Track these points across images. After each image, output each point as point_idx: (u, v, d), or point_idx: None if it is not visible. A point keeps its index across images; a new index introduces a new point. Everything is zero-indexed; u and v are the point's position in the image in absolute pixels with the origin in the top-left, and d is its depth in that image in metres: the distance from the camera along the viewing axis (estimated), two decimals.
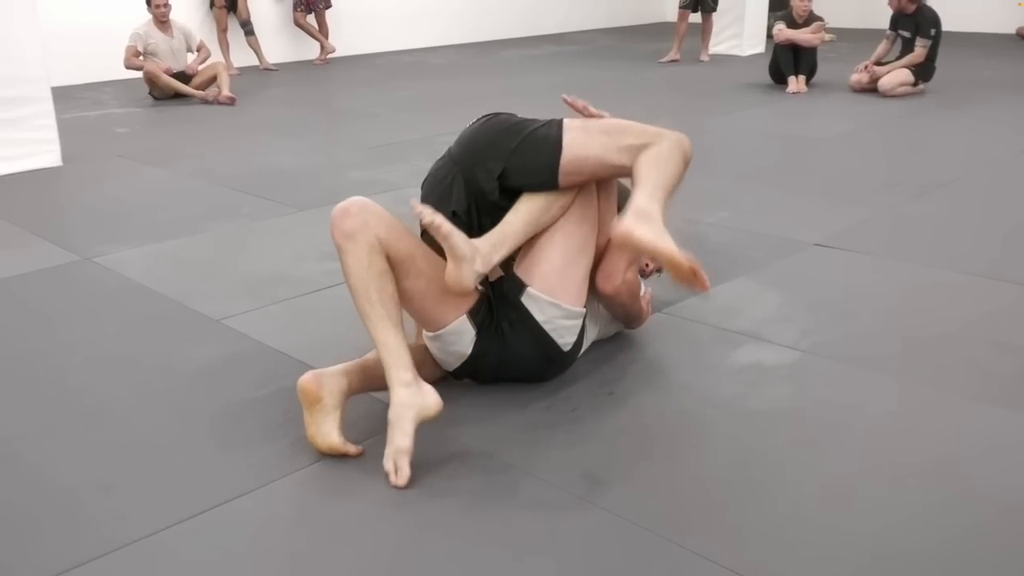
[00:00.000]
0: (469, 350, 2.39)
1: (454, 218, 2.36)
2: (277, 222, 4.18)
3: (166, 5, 7.51)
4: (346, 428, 2.20)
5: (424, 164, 5.24)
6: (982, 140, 5.63)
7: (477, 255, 2.24)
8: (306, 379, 2.19)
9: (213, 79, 7.63)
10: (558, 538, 1.88)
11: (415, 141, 5.83)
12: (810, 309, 3.05)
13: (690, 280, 2.08)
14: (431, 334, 2.40)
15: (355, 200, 2.28)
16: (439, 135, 5.88)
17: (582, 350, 2.55)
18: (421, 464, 2.15)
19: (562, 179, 2.35)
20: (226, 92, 7.42)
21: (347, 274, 2.22)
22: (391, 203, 4.38)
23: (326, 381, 2.19)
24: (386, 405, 2.16)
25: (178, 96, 7.61)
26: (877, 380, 2.54)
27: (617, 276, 2.50)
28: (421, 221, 2.21)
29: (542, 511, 1.98)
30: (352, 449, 2.18)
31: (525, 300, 2.37)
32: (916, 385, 2.51)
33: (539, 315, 2.37)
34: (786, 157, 5.39)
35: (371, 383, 2.33)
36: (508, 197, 2.39)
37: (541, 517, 1.96)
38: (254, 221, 4.19)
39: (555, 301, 2.37)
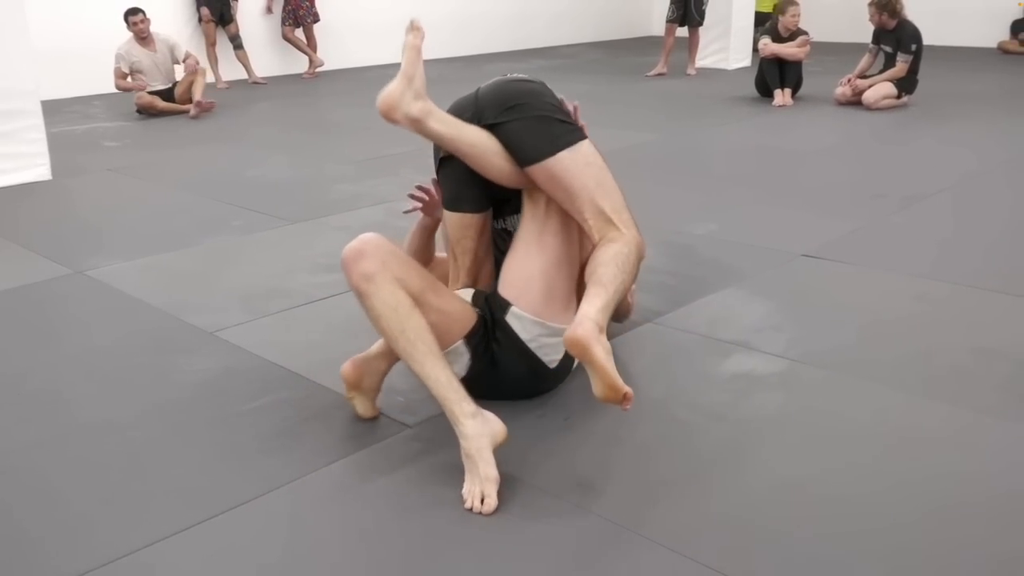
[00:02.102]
0: (464, 373, 2.38)
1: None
2: (268, 235, 4.20)
3: (142, 21, 7.50)
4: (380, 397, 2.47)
5: (414, 177, 5.28)
6: (966, 152, 5.71)
7: (421, 99, 2.30)
8: (347, 369, 2.41)
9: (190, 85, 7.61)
10: (555, 545, 1.91)
11: (404, 154, 5.86)
12: (798, 319, 3.09)
13: (618, 403, 2.08)
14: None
15: (367, 239, 2.23)
16: (428, 148, 5.90)
17: (575, 363, 2.57)
18: (419, 472, 2.17)
19: (535, 172, 2.36)
20: (198, 98, 7.38)
21: (376, 318, 2.18)
22: (382, 216, 4.46)
23: (365, 367, 2.40)
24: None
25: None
26: (865, 388, 2.58)
27: None
28: (411, 23, 2.31)
29: (538, 518, 2.00)
30: (376, 412, 2.45)
31: (510, 319, 2.38)
32: (904, 393, 2.55)
33: (523, 334, 2.38)
34: (773, 169, 5.45)
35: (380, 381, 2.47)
36: None
37: (537, 524, 1.98)
38: (245, 234, 4.20)
39: (539, 320, 2.38)
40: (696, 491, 2.10)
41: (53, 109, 7.43)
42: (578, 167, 2.35)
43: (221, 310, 3.24)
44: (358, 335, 2.99)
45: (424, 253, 2.81)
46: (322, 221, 4.38)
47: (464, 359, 2.39)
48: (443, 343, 2.31)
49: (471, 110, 2.44)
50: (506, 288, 2.42)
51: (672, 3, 9.50)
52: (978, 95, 7.94)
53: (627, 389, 2.05)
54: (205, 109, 7.45)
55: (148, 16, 7.55)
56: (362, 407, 2.44)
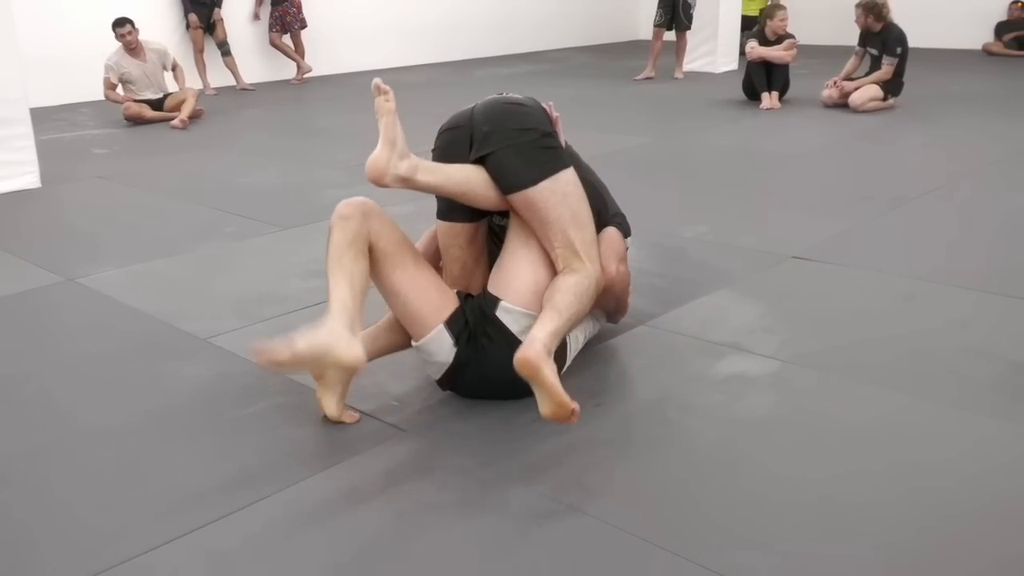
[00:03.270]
0: (449, 360, 2.46)
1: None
2: (260, 241, 4.20)
3: (130, 33, 7.46)
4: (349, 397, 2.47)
5: None
6: (952, 153, 5.76)
7: (406, 158, 2.41)
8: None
9: (182, 102, 7.59)
10: (550, 547, 1.92)
11: None
12: (789, 320, 3.11)
13: (565, 419, 2.18)
14: (414, 344, 2.49)
15: (359, 198, 2.45)
16: (417, 152, 5.93)
17: (566, 364, 2.59)
18: (414, 476, 2.18)
19: (514, 199, 2.45)
20: (184, 117, 7.35)
21: (329, 244, 2.37)
22: None
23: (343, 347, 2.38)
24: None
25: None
26: (858, 389, 2.60)
27: (611, 266, 2.62)
28: (376, 88, 2.41)
29: (534, 521, 2.01)
30: (348, 418, 2.44)
31: (500, 314, 2.44)
32: (896, 393, 2.57)
33: (513, 326, 2.43)
34: (762, 171, 5.48)
35: (378, 351, 2.58)
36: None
37: (533, 526, 1.99)
38: (237, 240, 4.20)
39: (528, 312, 2.43)
40: (692, 492, 2.12)
41: (41, 117, 7.39)
42: (556, 197, 2.43)
43: (214, 316, 3.24)
44: None
45: (437, 257, 2.83)
46: (313, 227, 4.38)
47: (446, 345, 2.44)
48: (421, 319, 2.43)
49: (467, 130, 2.52)
50: (495, 286, 2.49)
51: (660, 7, 9.54)
52: (964, 97, 8.00)
53: (574, 405, 2.15)
54: (180, 127, 7.38)
55: (136, 27, 7.52)
56: (327, 405, 2.42)
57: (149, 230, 4.42)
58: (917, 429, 2.39)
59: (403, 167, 2.41)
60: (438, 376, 2.52)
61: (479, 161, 2.48)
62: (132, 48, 7.51)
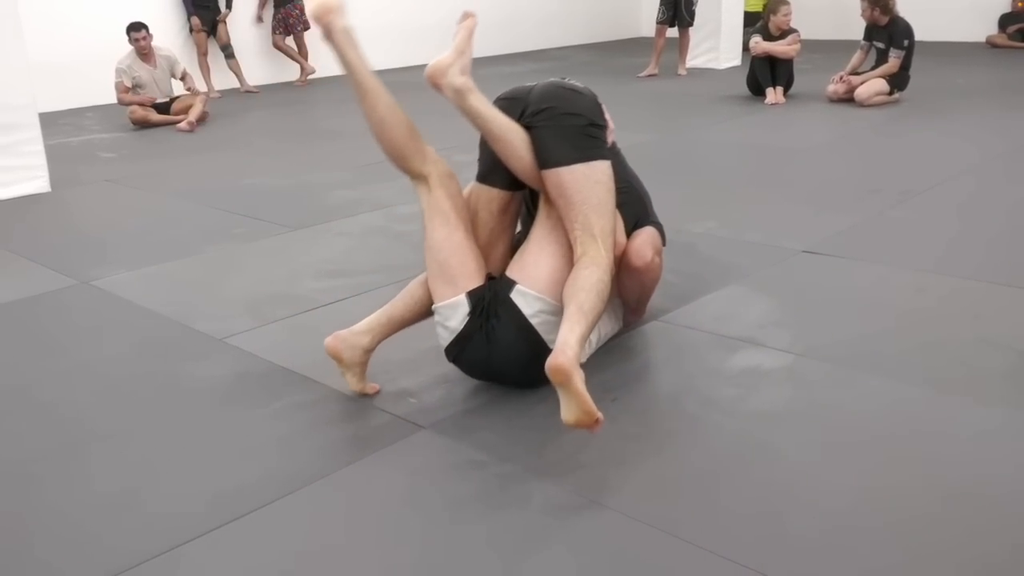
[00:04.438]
0: (459, 328, 2.50)
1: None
2: (271, 242, 4.21)
3: (144, 38, 7.50)
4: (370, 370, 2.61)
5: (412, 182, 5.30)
6: (959, 146, 5.76)
7: (466, 74, 2.48)
8: (328, 342, 2.55)
9: (189, 107, 7.61)
10: (572, 539, 1.93)
11: None
12: (802, 314, 3.12)
13: (589, 426, 2.17)
14: (435, 305, 2.56)
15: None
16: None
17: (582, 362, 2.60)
18: (434, 472, 2.20)
19: (547, 175, 2.49)
20: (192, 119, 7.37)
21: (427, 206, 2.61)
22: (383, 220, 4.49)
23: (347, 342, 2.55)
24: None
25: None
26: (871, 381, 2.61)
27: (647, 254, 2.68)
28: (463, 15, 2.57)
29: (555, 514, 2.02)
30: (370, 390, 2.59)
31: (514, 296, 2.47)
32: (910, 385, 2.58)
33: (526, 309, 2.46)
34: (769, 167, 5.48)
35: (396, 327, 2.64)
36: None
37: (554, 520, 2.00)
38: (248, 241, 4.22)
39: (542, 297, 2.46)
40: (712, 485, 2.13)
41: (47, 121, 7.39)
42: (587, 182, 2.47)
43: (228, 317, 3.26)
44: None
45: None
46: (323, 227, 4.40)
47: (462, 312, 2.49)
48: (449, 282, 2.51)
49: (522, 103, 2.57)
50: (513, 270, 2.53)
51: (662, 4, 9.55)
52: (969, 89, 8.00)
53: (599, 415, 2.15)
54: (187, 129, 7.40)
55: (151, 33, 7.55)
56: (351, 380, 2.58)
57: (160, 232, 4.44)
58: (931, 420, 2.40)
59: (459, 80, 2.47)
60: (447, 343, 2.56)
61: (525, 128, 2.54)
62: (144, 53, 7.55)
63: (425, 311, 2.63)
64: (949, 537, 1.91)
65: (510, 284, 2.49)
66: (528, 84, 2.66)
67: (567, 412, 2.15)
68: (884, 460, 2.20)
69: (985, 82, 8.49)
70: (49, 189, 5.39)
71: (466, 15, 2.59)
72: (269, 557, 1.93)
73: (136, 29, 7.47)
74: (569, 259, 2.49)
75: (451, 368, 2.73)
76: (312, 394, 2.63)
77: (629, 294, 2.85)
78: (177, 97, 7.76)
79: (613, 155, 2.65)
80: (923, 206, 4.41)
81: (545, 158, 2.50)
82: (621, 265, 2.71)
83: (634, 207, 2.83)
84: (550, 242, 2.53)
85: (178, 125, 7.40)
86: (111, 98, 7.83)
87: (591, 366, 2.67)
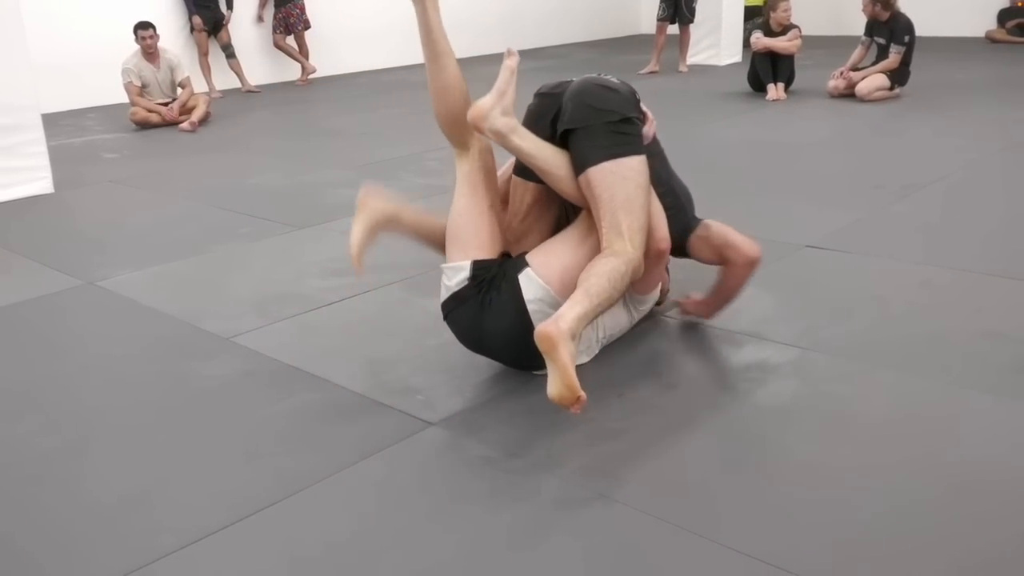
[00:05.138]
0: (456, 288, 2.55)
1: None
2: (276, 241, 4.22)
3: (151, 37, 7.50)
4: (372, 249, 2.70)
5: (415, 180, 5.35)
6: (959, 140, 5.77)
7: (508, 115, 2.52)
8: (363, 189, 2.67)
9: (193, 108, 7.62)
10: (581, 532, 1.95)
11: (403, 158, 5.90)
12: (807, 308, 3.13)
13: (570, 404, 2.18)
14: (443, 265, 2.62)
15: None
16: (427, 151, 5.96)
17: (594, 353, 2.63)
18: (443, 468, 2.21)
19: (581, 179, 2.52)
20: (195, 119, 7.39)
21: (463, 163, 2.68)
22: None
23: (381, 195, 2.67)
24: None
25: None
26: (877, 374, 2.62)
27: (665, 242, 2.66)
28: (508, 52, 2.60)
29: (564, 508, 2.04)
30: (359, 259, 2.65)
31: (522, 278, 2.50)
32: (916, 377, 2.59)
33: (528, 294, 2.48)
34: (771, 162, 5.49)
35: (417, 230, 2.74)
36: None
37: (563, 513, 2.02)
38: (253, 241, 4.23)
39: (547, 287, 2.48)
40: (719, 478, 2.14)
41: (49, 122, 7.38)
42: (614, 178, 2.47)
43: (235, 316, 3.27)
44: (374, 337, 3.04)
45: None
46: (327, 226, 4.41)
47: (462, 275, 2.54)
48: (461, 247, 2.58)
49: (557, 100, 2.61)
50: (533, 255, 2.56)
51: (663, 1, 9.54)
52: (969, 85, 8.00)
53: (582, 393, 2.16)
54: (189, 129, 7.40)
55: (157, 32, 7.56)
56: (355, 231, 2.63)
57: (164, 232, 4.45)
58: (938, 412, 2.41)
59: (501, 123, 2.51)
60: (443, 299, 2.61)
61: (562, 136, 2.57)
62: (150, 52, 7.55)
63: (457, 80, 2.69)
64: (957, 526, 1.92)
65: (522, 265, 2.52)
66: (565, 80, 2.68)
67: (551, 386, 2.17)
68: (891, 452, 2.21)
69: (985, 77, 8.49)
70: (52, 190, 5.40)
71: (510, 53, 2.62)
72: (279, 556, 1.94)
73: (144, 28, 7.48)
74: (586, 256, 2.51)
75: (458, 365, 2.75)
76: (320, 392, 2.65)
77: (734, 287, 2.89)
78: (176, 98, 7.75)
79: (652, 152, 2.64)
80: (925, 201, 4.42)
81: (578, 163, 2.52)
82: (733, 260, 2.81)
83: (679, 216, 2.83)
84: (577, 243, 2.56)
85: (180, 125, 7.40)
86: (113, 99, 7.84)
87: (595, 362, 2.69)
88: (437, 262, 3.10)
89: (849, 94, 7.37)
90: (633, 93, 2.63)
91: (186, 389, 2.72)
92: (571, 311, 2.24)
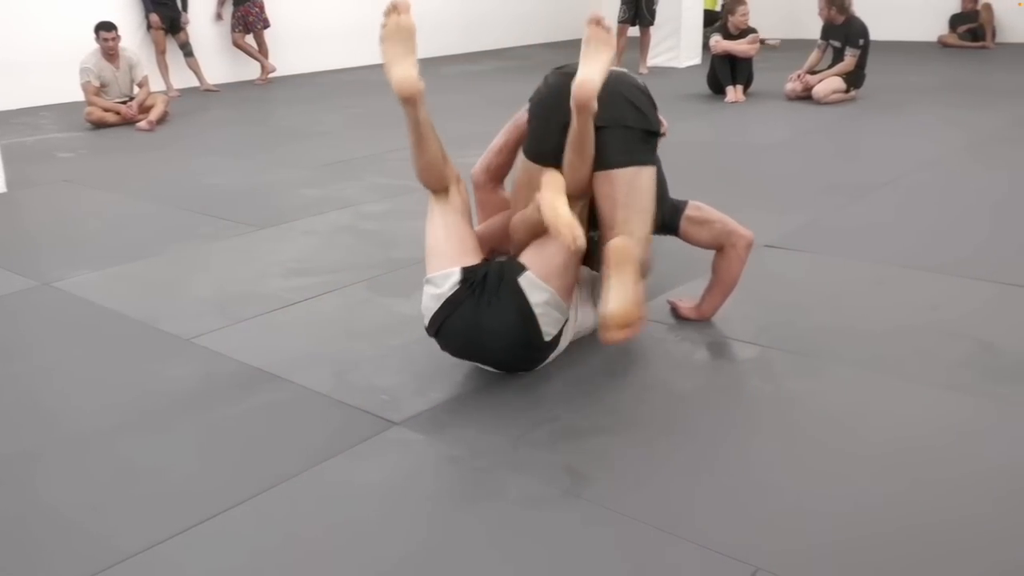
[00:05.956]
0: (449, 293, 2.52)
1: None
2: (237, 241, 4.19)
3: (114, 39, 7.39)
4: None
5: (377, 180, 5.31)
6: (913, 142, 5.88)
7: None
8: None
9: (151, 107, 7.52)
10: (548, 531, 1.96)
11: (366, 158, 5.88)
12: (766, 306, 3.18)
13: (629, 324, 2.26)
14: (428, 275, 2.58)
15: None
16: (388, 151, 5.95)
17: (555, 352, 2.65)
18: (409, 468, 2.21)
19: (601, 175, 2.57)
20: (153, 119, 7.30)
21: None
22: (349, 219, 4.47)
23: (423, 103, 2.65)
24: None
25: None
26: (836, 370, 2.67)
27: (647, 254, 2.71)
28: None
29: (531, 506, 2.05)
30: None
31: (523, 281, 2.50)
32: (873, 374, 2.64)
33: (533, 297, 2.49)
34: (729, 163, 5.55)
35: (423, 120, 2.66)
36: None
37: (530, 512, 2.03)
38: (213, 241, 4.19)
39: (550, 289, 2.50)
40: (683, 474, 2.17)
41: (0, 120, 7.30)
42: (634, 185, 2.56)
43: (196, 317, 3.24)
44: (337, 337, 3.02)
45: (495, 240, 2.92)
46: (289, 226, 4.38)
47: (452, 280, 2.53)
48: (451, 254, 2.57)
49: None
50: (527, 257, 2.56)
51: (623, 4, 9.61)
52: (922, 87, 8.16)
53: (644, 313, 2.24)
54: (147, 128, 7.31)
55: (119, 34, 7.44)
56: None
57: (122, 233, 4.39)
58: (894, 406, 2.46)
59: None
60: (432, 311, 2.56)
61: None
62: (111, 54, 7.44)
63: (438, 155, 2.66)
64: (909, 518, 1.96)
65: (519, 268, 2.52)
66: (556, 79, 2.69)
67: (614, 301, 2.21)
68: (851, 446, 2.26)
69: (937, 80, 8.66)
70: (5, 189, 5.30)
71: (593, 17, 2.60)
72: (242, 556, 1.93)
73: (107, 29, 7.35)
74: (578, 265, 2.58)
75: (422, 364, 2.75)
76: (283, 393, 2.63)
77: (737, 273, 2.95)
78: (133, 97, 7.64)
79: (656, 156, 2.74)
80: (880, 201, 4.50)
81: (606, 161, 2.56)
82: (735, 244, 2.89)
83: (665, 196, 2.96)
84: (551, 239, 2.55)
85: (138, 124, 7.30)
86: (68, 97, 7.70)
87: (560, 362, 2.71)
88: (399, 263, 3.10)
89: (806, 96, 7.48)
90: (651, 95, 2.72)
91: (146, 391, 2.69)
92: (633, 236, 2.38)
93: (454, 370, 2.71)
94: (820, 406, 2.47)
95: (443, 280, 2.54)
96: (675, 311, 3.08)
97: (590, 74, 2.46)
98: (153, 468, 2.27)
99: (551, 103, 2.64)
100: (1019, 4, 11.31)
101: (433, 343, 2.65)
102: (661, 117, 2.76)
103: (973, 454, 2.21)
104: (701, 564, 1.84)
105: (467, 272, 2.54)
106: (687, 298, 3.10)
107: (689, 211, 2.96)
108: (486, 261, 2.64)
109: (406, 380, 2.68)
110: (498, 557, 1.88)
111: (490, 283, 2.51)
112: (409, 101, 2.58)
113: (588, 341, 2.90)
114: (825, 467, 2.17)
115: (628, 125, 2.58)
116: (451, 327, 2.55)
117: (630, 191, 2.54)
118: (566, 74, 2.63)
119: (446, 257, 2.58)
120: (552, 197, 2.43)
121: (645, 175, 2.59)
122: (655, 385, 2.63)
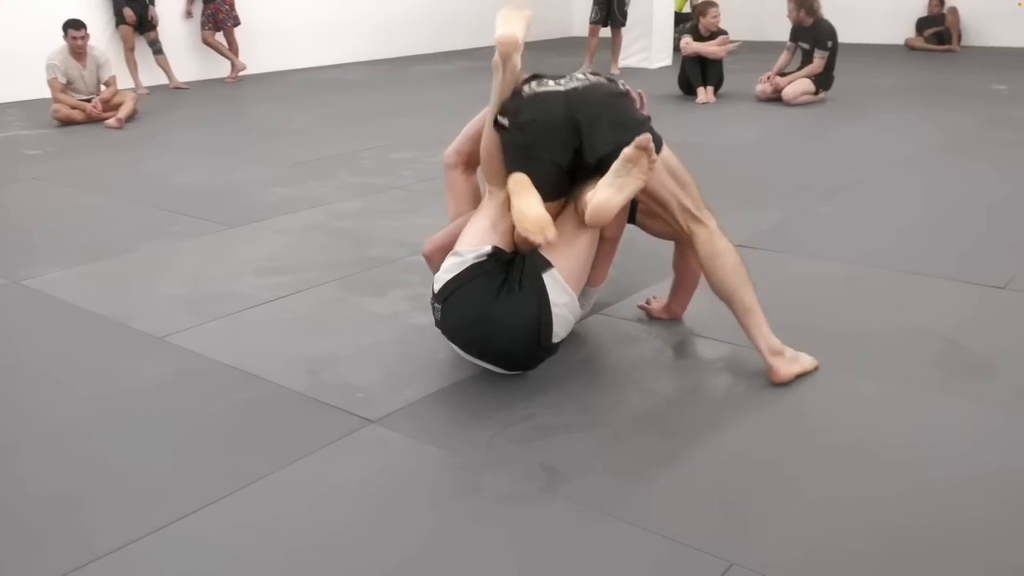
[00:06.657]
0: (472, 261, 2.53)
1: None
2: (208, 240, 4.16)
3: (83, 38, 7.31)
4: None
5: (350, 179, 5.30)
6: (881, 143, 5.96)
7: None
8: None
9: (119, 105, 7.45)
10: (524, 528, 1.97)
11: (337, 157, 5.86)
12: None
13: (533, 236, 2.44)
14: (457, 249, 2.59)
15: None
16: (360, 150, 5.94)
17: (551, 356, 2.69)
18: (384, 466, 2.22)
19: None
20: (122, 116, 7.23)
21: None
22: (321, 218, 4.46)
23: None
24: None
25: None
26: None
27: (620, 230, 2.85)
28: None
29: (507, 503, 2.06)
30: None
31: (547, 278, 2.51)
32: (843, 372, 2.68)
33: (555, 297, 2.50)
34: (700, 164, 5.51)
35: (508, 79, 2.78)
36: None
37: (507, 508, 2.04)
38: (184, 239, 4.16)
39: (571, 292, 2.54)
40: (656, 470, 2.19)
41: None
42: (663, 175, 2.60)
43: (168, 315, 3.22)
44: (311, 336, 3.02)
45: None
46: (261, 225, 4.36)
47: (482, 251, 2.53)
48: (480, 239, 2.57)
49: (562, 99, 2.67)
50: (555, 256, 2.54)
51: (595, 4, 9.65)
52: (890, 89, 8.27)
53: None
54: (115, 126, 7.24)
55: (89, 33, 7.35)
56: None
57: (92, 231, 4.34)
58: (862, 403, 2.50)
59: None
60: (451, 276, 2.54)
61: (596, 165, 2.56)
62: (79, 52, 7.35)
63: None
64: (879, 515, 2.00)
65: (545, 264, 2.52)
66: (559, 91, 2.72)
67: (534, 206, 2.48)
68: (820, 440, 2.29)
69: (905, 82, 8.79)
70: None
71: (645, 151, 2.51)
72: (218, 554, 1.92)
73: (76, 27, 7.26)
74: (591, 259, 2.65)
75: (397, 362, 2.76)
76: (257, 391, 2.62)
77: (693, 276, 3.01)
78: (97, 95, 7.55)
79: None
80: (849, 201, 4.56)
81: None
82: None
83: None
84: (590, 241, 2.62)
85: (107, 122, 7.22)
86: (34, 94, 7.60)
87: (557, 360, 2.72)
88: (373, 261, 3.08)
89: (776, 98, 7.56)
90: (627, 90, 2.73)
91: (119, 390, 2.67)
92: (768, 337, 2.60)
93: (430, 368, 2.72)
94: (792, 404, 2.50)
95: (471, 252, 2.55)
96: (647, 314, 3.11)
97: (610, 200, 2.46)
98: (128, 466, 2.26)
99: (543, 141, 2.60)
100: (1019, 4, 11.46)
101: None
102: (639, 91, 2.80)
103: (945, 451, 2.26)
104: (676, 560, 1.86)
105: (497, 250, 2.55)
106: (655, 300, 3.12)
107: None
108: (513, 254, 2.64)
109: (381, 378, 2.68)
110: (475, 554, 1.89)
111: (513, 271, 2.51)
112: (505, 56, 2.71)
113: (565, 339, 2.91)
114: (797, 464, 2.20)
115: (621, 142, 2.49)
116: (460, 301, 2.52)
117: (666, 179, 2.61)
118: (551, 102, 2.65)
119: (486, 239, 2.57)
120: (521, 204, 2.42)
121: (664, 155, 2.61)
122: (629, 384, 2.65)
